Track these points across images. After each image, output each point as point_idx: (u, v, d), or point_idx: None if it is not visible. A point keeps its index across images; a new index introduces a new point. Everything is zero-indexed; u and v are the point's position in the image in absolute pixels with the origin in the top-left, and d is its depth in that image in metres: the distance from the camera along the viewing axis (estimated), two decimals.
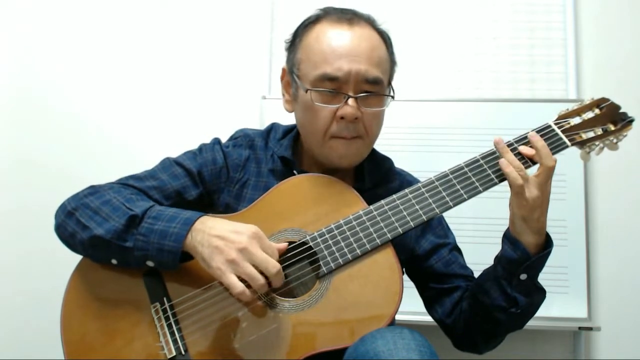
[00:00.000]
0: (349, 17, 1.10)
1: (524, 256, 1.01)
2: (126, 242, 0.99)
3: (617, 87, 1.98)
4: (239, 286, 0.91)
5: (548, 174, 0.99)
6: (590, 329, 1.84)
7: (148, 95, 2.14)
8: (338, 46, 1.06)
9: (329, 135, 1.08)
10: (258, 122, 2.00)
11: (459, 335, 1.15)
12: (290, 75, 1.14)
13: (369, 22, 1.12)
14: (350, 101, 1.05)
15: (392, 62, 1.15)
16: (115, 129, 2.12)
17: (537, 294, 1.06)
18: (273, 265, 0.93)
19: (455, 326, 1.15)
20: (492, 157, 1.05)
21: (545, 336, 1.94)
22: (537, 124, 1.08)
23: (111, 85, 2.14)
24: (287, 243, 1.00)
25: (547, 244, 1.03)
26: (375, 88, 1.07)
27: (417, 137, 1.96)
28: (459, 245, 1.25)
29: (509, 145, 1.05)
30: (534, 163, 1.03)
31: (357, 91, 1.06)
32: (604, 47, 2.05)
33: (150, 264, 1.00)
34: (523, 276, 1.02)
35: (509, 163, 1.01)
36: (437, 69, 2.08)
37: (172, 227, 0.98)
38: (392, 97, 1.12)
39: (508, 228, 1.05)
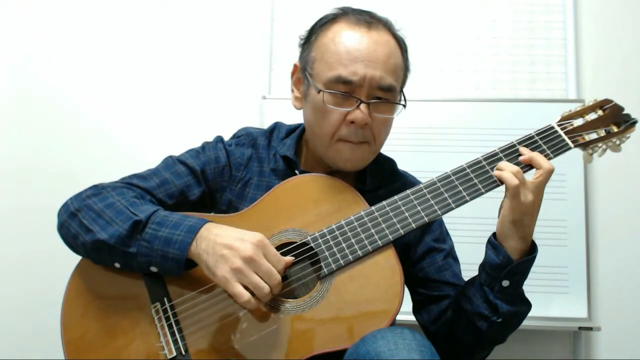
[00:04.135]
0: (368, 19, 1.08)
1: (506, 261, 0.99)
2: (130, 247, 0.98)
3: (617, 87, 1.99)
4: (245, 295, 0.91)
5: (547, 177, 0.99)
6: (590, 329, 1.84)
7: (148, 95, 2.14)
8: (355, 49, 1.04)
9: (337, 138, 1.07)
10: (258, 122, 2.00)
11: (441, 345, 1.10)
12: (303, 73, 1.12)
13: (387, 26, 1.10)
14: (362, 106, 1.04)
15: (406, 69, 1.14)
16: (115, 128, 2.12)
17: (521, 305, 1.04)
18: (275, 277, 0.92)
19: (438, 335, 1.13)
20: (494, 159, 1.04)
21: (545, 336, 1.94)
22: (537, 123, 1.08)
23: (111, 86, 2.15)
24: (293, 257, 0.99)
25: (531, 252, 1.02)
26: (387, 95, 1.07)
27: (417, 137, 1.97)
28: (460, 244, 1.24)
29: (506, 151, 1.05)
30: (531, 168, 1.02)
31: (369, 97, 1.05)
32: (604, 47, 2.06)
33: (153, 269, 0.99)
34: (505, 282, 1.00)
35: (505, 166, 1.01)
36: (437, 69, 2.08)
37: (177, 235, 0.97)
38: (404, 105, 1.11)
39: (493, 233, 1.04)
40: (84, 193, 1.08)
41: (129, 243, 0.98)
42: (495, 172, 1.02)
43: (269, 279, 0.92)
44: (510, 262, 0.99)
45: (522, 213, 0.98)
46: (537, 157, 1.01)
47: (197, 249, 0.96)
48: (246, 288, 0.91)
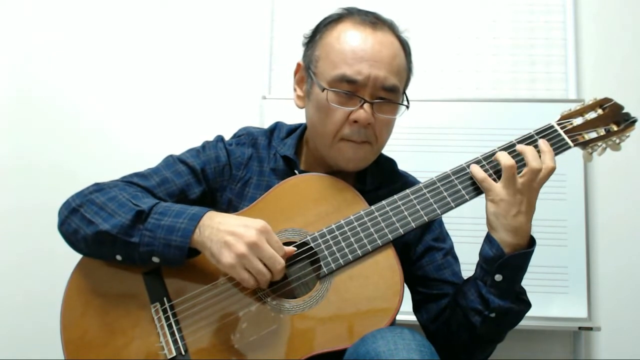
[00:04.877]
0: (373, 20, 1.08)
1: (498, 254, 0.99)
2: (132, 237, 0.98)
3: (617, 87, 1.99)
4: (251, 281, 0.93)
5: (531, 177, 0.98)
6: (590, 329, 1.84)
7: (149, 95, 2.14)
8: (360, 49, 1.05)
9: (339, 137, 1.07)
10: (258, 122, 2.00)
11: (440, 345, 1.09)
12: (306, 72, 1.13)
13: (392, 28, 1.11)
14: (366, 106, 1.04)
15: (409, 71, 1.14)
16: (115, 128, 2.13)
17: (517, 303, 1.02)
18: (279, 262, 0.94)
19: (437, 334, 1.13)
20: (493, 158, 1.04)
21: (545, 336, 1.94)
22: (537, 123, 1.07)
23: (111, 86, 2.15)
24: (295, 248, 0.99)
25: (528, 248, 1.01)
26: (391, 96, 1.07)
27: (417, 137, 1.97)
28: (459, 244, 1.24)
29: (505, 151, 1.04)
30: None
31: (373, 97, 1.05)
32: (604, 47, 2.06)
33: (155, 259, 0.99)
34: (498, 277, 0.99)
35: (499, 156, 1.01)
36: (437, 69, 2.08)
37: (180, 223, 0.97)
38: (407, 106, 1.11)
39: None
40: (86, 190, 1.08)
41: (132, 233, 0.98)
42: (472, 167, 1.03)
43: (273, 264, 0.93)
44: (502, 255, 0.99)
45: (507, 205, 0.98)
46: (528, 153, 1.00)
47: (200, 236, 0.96)
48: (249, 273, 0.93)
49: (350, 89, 1.04)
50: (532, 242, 1.02)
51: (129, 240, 0.99)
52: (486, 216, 1.02)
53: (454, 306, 1.08)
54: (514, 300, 1.02)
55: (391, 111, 1.09)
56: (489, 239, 1.02)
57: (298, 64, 1.17)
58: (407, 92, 1.14)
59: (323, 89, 1.06)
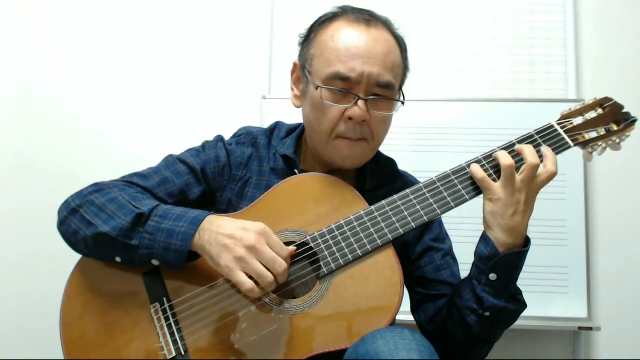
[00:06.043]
0: (367, 18, 1.09)
1: (493, 253, 0.99)
2: (132, 240, 0.98)
3: (617, 87, 1.99)
4: (248, 283, 0.91)
5: (530, 173, 0.98)
6: (590, 329, 1.84)
7: (149, 95, 2.14)
8: (353, 46, 1.05)
9: (335, 135, 1.07)
10: (258, 122, 2.00)
11: (437, 345, 1.06)
12: (302, 71, 1.13)
13: (386, 25, 1.11)
14: (360, 103, 1.04)
15: (405, 68, 1.14)
16: (115, 128, 2.13)
17: (512, 302, 1.02)
18: (280, 263, 0.93)
19: (434, 334, 1.12)
20: (493, 158, 1.04)
21: (545, 336, 1.94)
22: (537, 123, 1.07)
23: (111, 85, 2.15)
24: (295, 247, 0.99)
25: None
26: (386, 92, 1.07)
27: (417, 137, 1.97)
28: (459, 244, 1.24)
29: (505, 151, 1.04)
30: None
31: (367, 93, 1.05)
32: (604, 47, 2.06)
33: (155, 262, 0.99)
34: (492, 276, 0.99)
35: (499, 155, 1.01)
36: (437, 69, 2.08)
37: (180, 226, 0.97)
38: (402, 102, 1.11)
39: None
40: (86, 190, 1.08)
41: (131, 235, 0.98)
42: (471, 167, 1.03)
43: (273, 266, 0.92)
44: (496, 254, 0.99)
45: (503, 205, 0.98)
46: (526, 150, 1.00)
47: (200, 240, 0.96)
48: (251, 278, 0.92)
49: (344, 86, 1.05)
50: (527, 241, 1.02)
51: (128, 243, 0.99)
52: (483, 215, 1.02)
53: (451, 306, 1.08)
54: (509, 300, 1.02)
55: (387, 108, 1.09)
56: (484, 238, 1.02)
57: (294, 64, 1.17)
58: (407, 91, 1.14)
59: (317, 87, 1.06)
